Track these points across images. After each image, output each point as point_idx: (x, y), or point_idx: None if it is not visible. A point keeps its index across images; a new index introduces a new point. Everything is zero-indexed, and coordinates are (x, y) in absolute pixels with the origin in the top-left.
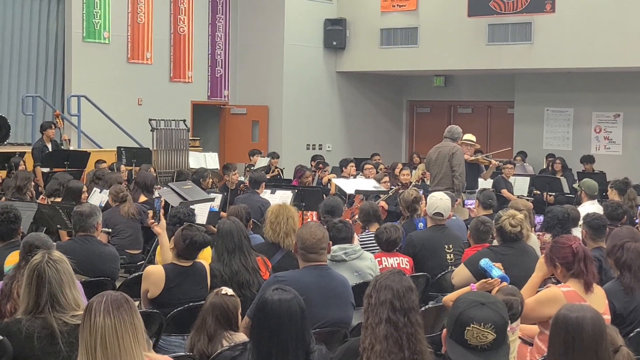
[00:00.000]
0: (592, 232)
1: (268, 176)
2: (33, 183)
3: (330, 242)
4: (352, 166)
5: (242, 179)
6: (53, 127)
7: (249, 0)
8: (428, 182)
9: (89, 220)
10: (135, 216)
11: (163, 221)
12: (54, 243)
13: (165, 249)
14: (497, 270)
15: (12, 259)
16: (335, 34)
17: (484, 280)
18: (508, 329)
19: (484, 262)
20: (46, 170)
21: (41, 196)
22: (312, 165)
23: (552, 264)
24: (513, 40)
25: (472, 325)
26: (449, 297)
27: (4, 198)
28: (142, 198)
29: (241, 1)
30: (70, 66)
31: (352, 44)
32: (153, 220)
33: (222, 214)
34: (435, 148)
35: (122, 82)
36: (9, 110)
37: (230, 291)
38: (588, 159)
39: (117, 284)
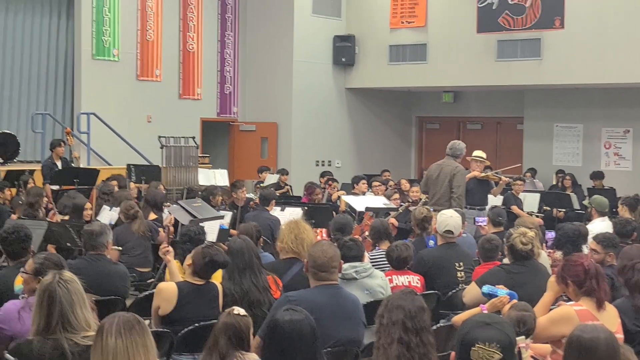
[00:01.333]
0: (615, 251)
1: (277, 193)
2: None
3: (342, 261)
4: (364, 183)
5: (252, 195)
6: (62, 144)
7: (258, 17)
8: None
9: (99, 238)
10: (146, 234)
11: (171, 249)
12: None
13: (174, 275)
14: (502, 290)
15: None
16: (344, 51)
17: (494, 299)
18: (523, 345)
19: (486, 288)
20: (56, 187)
21: (51, 212)
22: (321, 182)
23: (564, 282)
24: (522, 56)
25: (477, 345)
26: (459, 318)
27: (14, 215)
28: (152, 216)
29: (250, 18)
30: (79, 83)
31: (361, 61)
32: (167, 247)
33: (232, 231)
34: (437, 165)
35: (131, 99)
36: (19, 127)
37: (242, 311)
38: (598, 175)
39: (128, 303)
